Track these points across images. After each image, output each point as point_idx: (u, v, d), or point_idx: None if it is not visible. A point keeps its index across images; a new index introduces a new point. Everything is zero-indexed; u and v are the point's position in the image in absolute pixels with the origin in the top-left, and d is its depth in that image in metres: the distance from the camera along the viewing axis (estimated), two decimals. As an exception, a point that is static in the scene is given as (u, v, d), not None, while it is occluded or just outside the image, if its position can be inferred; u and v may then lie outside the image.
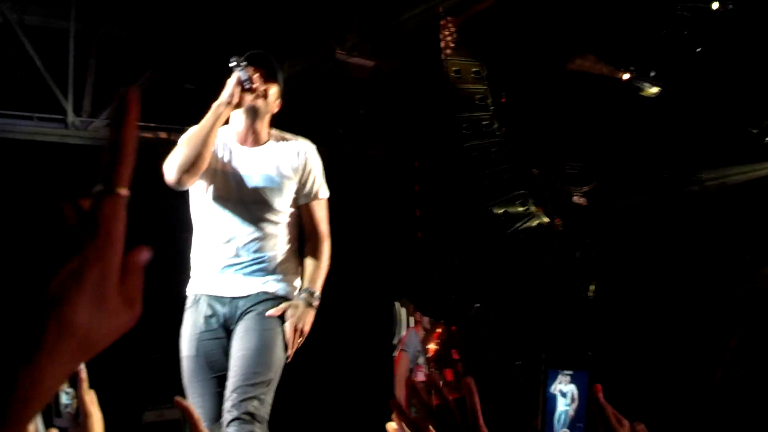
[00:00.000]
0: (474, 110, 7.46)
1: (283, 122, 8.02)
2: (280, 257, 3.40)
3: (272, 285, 3.36)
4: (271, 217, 3.37)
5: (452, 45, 7.40)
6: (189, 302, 3.43)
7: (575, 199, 7.67)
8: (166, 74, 7.01)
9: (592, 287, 7.55)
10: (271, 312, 3.27)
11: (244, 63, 3.24)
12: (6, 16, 7.00)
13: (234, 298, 3.30)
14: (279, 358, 3.24)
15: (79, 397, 1.55)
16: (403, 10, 7.14)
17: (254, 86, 3.26)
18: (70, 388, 1.54)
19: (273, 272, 3.37)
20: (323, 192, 3.57)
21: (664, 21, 7.12)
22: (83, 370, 1.59)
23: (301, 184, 3.47)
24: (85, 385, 1.58)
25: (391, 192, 8.30)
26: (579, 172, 7.69)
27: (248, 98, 3.29)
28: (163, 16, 6.98)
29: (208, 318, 3.30)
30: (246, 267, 3.31)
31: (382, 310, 8.09)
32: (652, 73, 7.45)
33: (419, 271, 8.06)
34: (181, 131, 3.46)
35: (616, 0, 7.12)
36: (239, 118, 3.42)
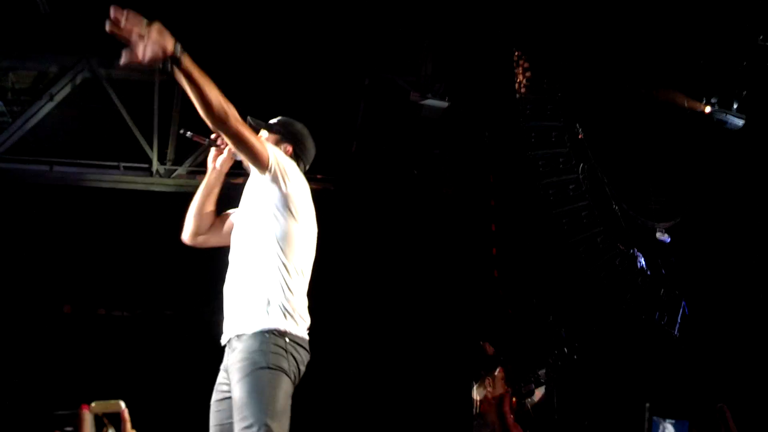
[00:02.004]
0: (550, 147, 7.39)
1: (359, 164, 8.11)
2: (249, 291, 3.01)
3: (236, 326, 3.00)
4: (247, 250, 3.09)
5: (527, 81, 7.37)
6: None
7: (658, 235, 7.46)
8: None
9: (677, 326, 7.32)
10: None
11: (187, 131, 3.28)
12: (95, 71, 7.35)
13: (224, 346, 3.07)
14: (260, 406, 2.79)
15: None
16: (477, 51, 7.18)
17: (219, 142, 3.26)
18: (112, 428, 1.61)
19: (240, 310, 3.01)
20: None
21: (746, 52, 6.94)
22: (125, 411, 1.67)
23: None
24: (128, 425, 1.66)
25: (467, 231, 8.26)
26: (662, 207, 7.50)
27: (225, 153, 3.28)
28: (247, 66, 7.20)
29: (221, 371, 3.10)
30: (229, 311, 3.07)
31: (457, 351, 8.00)
32: (735, 105, 7.25)
33: (497, 311, 7.94)
34: None
35: (696, 32, 6.99)
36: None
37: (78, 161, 7.50)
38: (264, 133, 3.30)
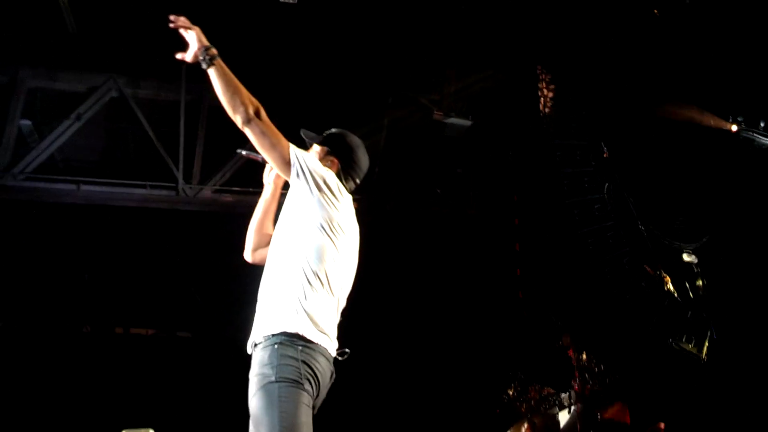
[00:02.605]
0: (575, 166, 7.34)
1: (382, 183, 8.11)
2: (269, 297, 3.01)
3: (254, 333, 2.97)
4: (275, 258, 3.08)
5: (551, 100, 7.35)
6: None
7: (685, 256, 7.36)
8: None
9: (705, 350, 7.19)
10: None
11: (243, 150, 3.34)
12: (122, 91, 7.44)
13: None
14: (272, 424, 2.73)
15: None
16: (501, 69, 7.18)
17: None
18: None
19: (259, 316, 2.99)
20: None
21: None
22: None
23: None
24: None
25: (490, 251, 8.21)
26: (689, 227, 7.40)
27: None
28: (270, 85, 7.24)
29: None
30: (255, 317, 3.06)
31: (483, 372, 7.93)
32: (762, 124, 7.17)
33: (521, 332, 7.86)
34: None
35: (723, 50, 6.93)
36: None
37: (105, 180, 7.58)
38: (315, 147, 3.32)
